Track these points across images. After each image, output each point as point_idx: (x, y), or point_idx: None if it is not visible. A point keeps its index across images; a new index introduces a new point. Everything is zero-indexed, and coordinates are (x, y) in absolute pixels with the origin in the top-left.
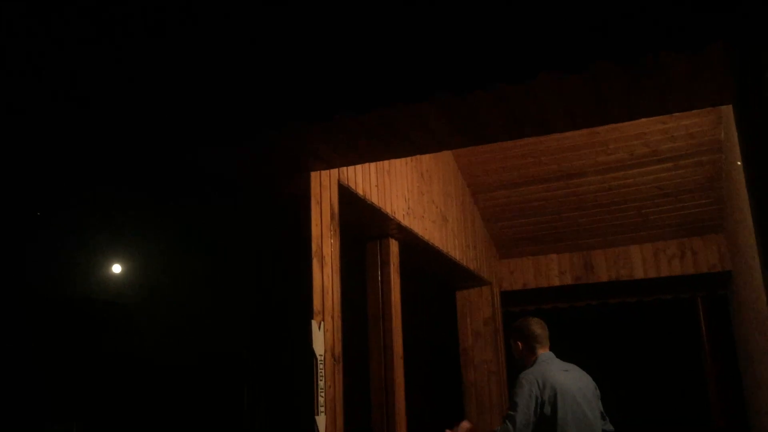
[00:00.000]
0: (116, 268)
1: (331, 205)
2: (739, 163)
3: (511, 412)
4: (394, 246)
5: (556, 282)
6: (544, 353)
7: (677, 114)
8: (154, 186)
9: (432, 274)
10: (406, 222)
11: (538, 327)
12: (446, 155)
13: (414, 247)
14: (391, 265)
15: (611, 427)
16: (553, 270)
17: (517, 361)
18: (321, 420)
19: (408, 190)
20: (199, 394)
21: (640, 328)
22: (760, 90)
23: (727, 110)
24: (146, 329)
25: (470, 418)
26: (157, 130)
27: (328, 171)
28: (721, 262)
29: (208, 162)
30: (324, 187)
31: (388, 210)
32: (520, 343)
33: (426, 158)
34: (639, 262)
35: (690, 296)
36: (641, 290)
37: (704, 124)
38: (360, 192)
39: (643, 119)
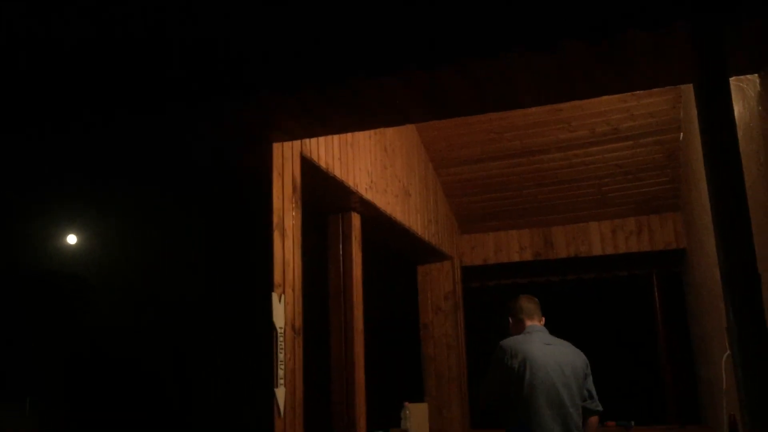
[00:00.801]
0: (71, 239)
1: (293, 177)
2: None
3: (485, 378)
4: (356, 220)
5: (517, 258)
6: (532, 325)
7: (638, 93)
8: (110, 154)
9: (394, 249)
10: (368, 196)
11: (525, 301)
12: (410, 129)
13: (376, 221)
14: (353, 239)
15: (596, 407)
16: (514, 246)
17: (479, 336)
18: (280, 392)
19: (371, 163)
20: (156, 367)
21: (598, 304)
22: (720, 68)
23: (687, 90)
24: (103, 302)
25: (429, 392)
26: (115, 92)
27: (290, 143)
28: (677, 240)
29: (169, 131)
30: (286, 159)
31: (350, 183)
32: (510, 319)
33: (389, 132)
34: (597, 238)
35: (645, 273)
36: (599, 267)
37: (664, 103)
38: (323, 165)
39: (606, 97)
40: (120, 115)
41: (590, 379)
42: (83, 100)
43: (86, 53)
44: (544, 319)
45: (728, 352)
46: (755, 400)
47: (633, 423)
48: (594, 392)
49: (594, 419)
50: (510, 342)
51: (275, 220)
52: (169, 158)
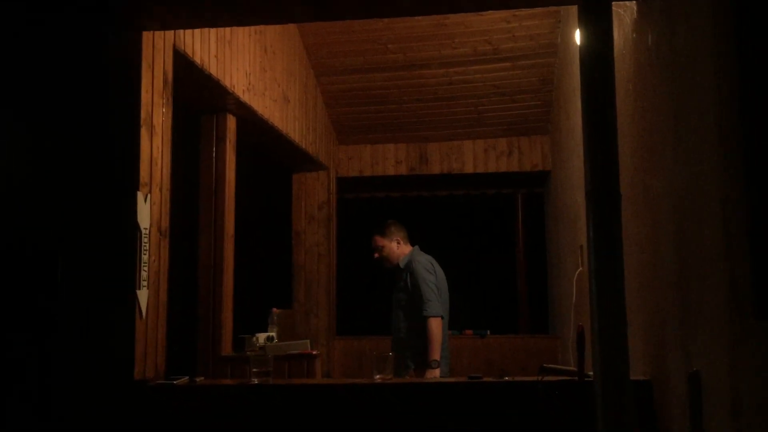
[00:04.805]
0: None
1: (164, 71)
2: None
3: (432, 295)
4: (231, 122)
5: (392, 171)
6: (415, 246)
7: (521, 14)
8: None
9: (270, 155)
10: (245, 98)
11: (402, 227)
12: (292, 32)
13: (253, 124)
14: (228, 142)
15: None
16: (390, 159)
17: (350, 246)
18: (143, 294)
19: (250, 64)
20: (17, 269)
21: (465, 219)
22: None
23: (566, 13)
24: None
25: (298, 298)
26: None
27: (162, 33)
28: (543, 162)
29: (31, 10)
30: (157, 51)
31: (227, 83)
32: (398, 241)
33: (270, 32)
34: (470, 157)
35: (512, 192)
36: (469, 184)
37: (544, 26)
38: (197, 60)
39: (489, 16)
40: None
41: None
42: None
43: None
44: None
45: (580, 268)
46: (605, 309)
47: (488, 332)
48: None
49: None
50: (430, 260)
51: (143, 115)
52: (28, 41)
